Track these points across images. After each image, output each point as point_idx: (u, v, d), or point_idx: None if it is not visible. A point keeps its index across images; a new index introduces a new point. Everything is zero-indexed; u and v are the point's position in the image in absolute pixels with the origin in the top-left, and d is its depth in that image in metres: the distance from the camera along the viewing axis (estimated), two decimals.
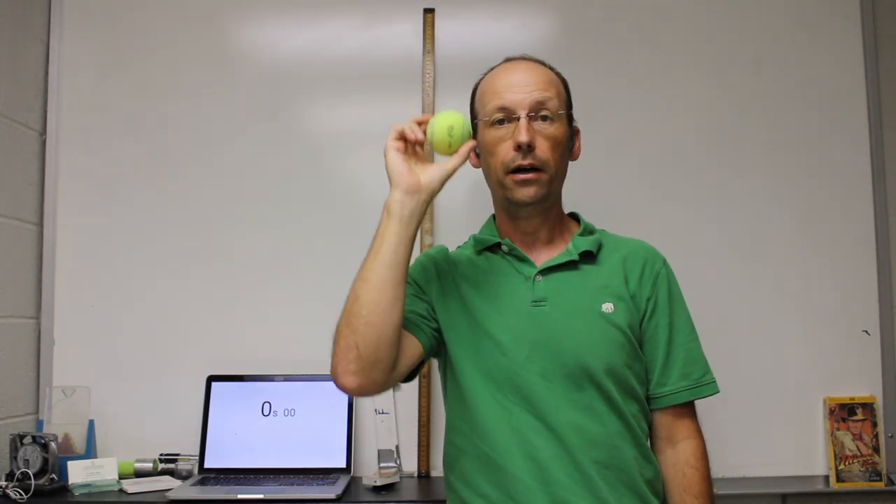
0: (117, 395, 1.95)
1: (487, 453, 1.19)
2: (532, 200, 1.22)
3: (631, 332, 1.21)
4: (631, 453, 1.18)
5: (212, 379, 1.92)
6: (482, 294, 1.24)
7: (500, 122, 1.22)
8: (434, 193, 1.18)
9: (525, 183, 1.21)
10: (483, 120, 1.25)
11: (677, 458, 1.22)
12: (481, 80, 1.31)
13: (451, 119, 1.19)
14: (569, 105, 1.29)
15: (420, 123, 1.20)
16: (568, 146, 1.27)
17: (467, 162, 1.23)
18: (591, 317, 1.20)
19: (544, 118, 1.21)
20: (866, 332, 1.99)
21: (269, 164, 2.04)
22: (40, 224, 2.01)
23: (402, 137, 1.17)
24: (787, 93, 2.04)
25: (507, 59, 1.30)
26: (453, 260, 1.32)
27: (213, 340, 1.98)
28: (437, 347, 1.28)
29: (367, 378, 1.14)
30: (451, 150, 1.19)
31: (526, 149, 1.19)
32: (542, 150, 1.20)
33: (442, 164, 1.19)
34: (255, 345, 1.97)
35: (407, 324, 1.21)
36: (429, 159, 1.22)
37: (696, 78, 2.05)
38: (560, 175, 1.25)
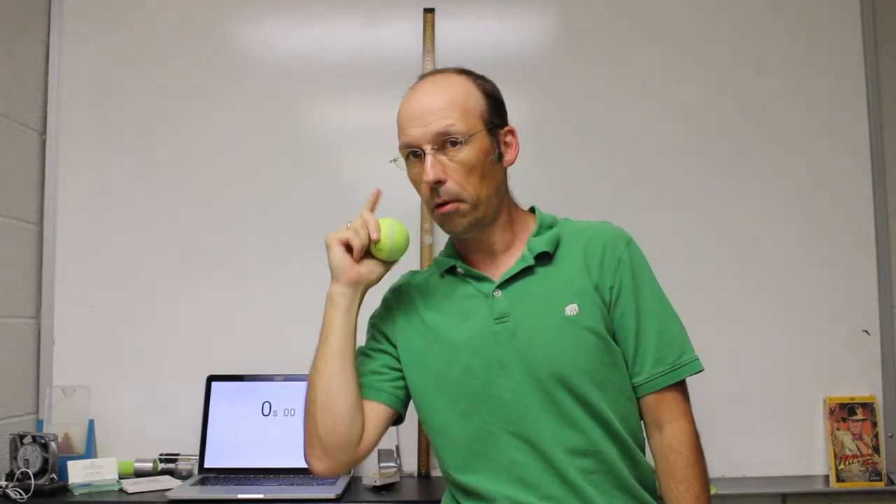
0: (117, 395, 1.95)
1: (471, 483, 1.17)
2: (462, 231, 1.19)
3: (604, 328, 1.17)
4: (616, 454, 1.15)
5: (212, 379, 1.92)
6: (447, 319, 1.22)
7: (414, 155, 1.19)
8: (372, 284, 1.23)
9: (446, 216, 1.18)
10: (401, 157, 1.23)
11: (662, 443, 1.17)
12: (401, 104, 1.25)
13: (403, 242, 1.21)
14: (490, 113, 1.21)
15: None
16: (489, 160, 1.19)
17: None
18: (556, 323, 1.16)
19: (452, 143, 1.16)
20: (866, 332, 1.99)
21: (270, 163, 2.04)
22: (40, 224, 2.01)
23: (347, 242, 1.21)
24: (787, 93, 2.04)
25: (421, 78, 1.26)
26: (417, 287, 1.29)
27: (213, 340, 1.98)
28: (407, 395, 1.27)
29: (334, 461, 1.18)
30: (390, 259, 1.22)
31: (436, 187, 1.16)
32: (454, 179, 1.16)
33: (379, 268, 1.23)
34: (255, 345, 1.97)
35: (368, 391, 1.22)
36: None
37: (697, 77, 2.05)
38: (485, 194, 1.18)
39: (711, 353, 1.93)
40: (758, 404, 1.96)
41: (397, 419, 1.27)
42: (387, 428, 1.25)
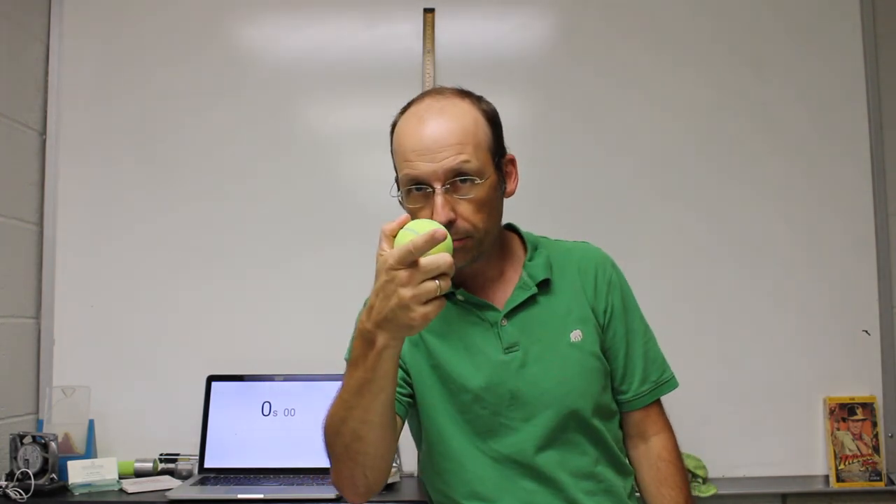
0: (117, 395, 1.95)
1: None
2: (463, 265, 1.12)
3: (602, 352, 1.20)
4: (612, 472, 1.19)
5: (212, 379, 1.92)
6: (451, 347, 1.18)
7: (417, 188, 1.09)
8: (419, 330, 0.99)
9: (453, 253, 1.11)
10: (401, 190, 1.13)
11: (650, 454, 1.22)
12: (396, 124, 1.17)
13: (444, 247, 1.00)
14: (495, 144, 1.14)
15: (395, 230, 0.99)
16: (497, 195, 1.14)
17: None
18: (563, 351, 1.16)
19: (463, 181, 1.08)
20: (866, 332, 1.99)
21: (269, 163, 2.04)
22: (40, 224, 2.01)
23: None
24: (787, 93, 2.04)
25: (422, 96, 1.16)
26: None
27: (213, 340, 1.98)
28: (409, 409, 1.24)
29: (375, 488, 1.12)
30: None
31: (446, 227, 1.00)
32: (465, 216, 1.09)
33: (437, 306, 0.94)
34: (255, 345, 1.97)
35: (406, 414, 1.21)
36: None
37: (696, 78, 2.05)
38: (491, 229, 1.14)
39: (711, 354, 1.94)
40: (758, 404, 1.96)
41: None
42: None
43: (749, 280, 2.00)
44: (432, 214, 1.07)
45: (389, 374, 0.99)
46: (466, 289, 1.20)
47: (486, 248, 1.15)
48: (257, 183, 2.03)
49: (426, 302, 0.89)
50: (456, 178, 1.08)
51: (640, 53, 2.06)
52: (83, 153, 2.03)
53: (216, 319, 1.99)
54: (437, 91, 1.16)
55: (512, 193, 1.20)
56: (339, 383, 1.87)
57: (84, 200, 2.02)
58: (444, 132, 1.08)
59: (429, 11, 2.05)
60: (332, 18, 2.07)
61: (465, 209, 1.09)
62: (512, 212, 1.28)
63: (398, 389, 1.18)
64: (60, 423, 1.84)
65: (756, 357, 1.98)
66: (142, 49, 2.06)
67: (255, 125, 2.04)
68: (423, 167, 1.08)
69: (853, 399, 1.95)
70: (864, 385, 1.98)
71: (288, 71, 2.06)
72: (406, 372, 1.21)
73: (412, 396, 1.22)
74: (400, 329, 0.93)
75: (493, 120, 1.16)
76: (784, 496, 1.96)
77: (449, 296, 1.17)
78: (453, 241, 1.00)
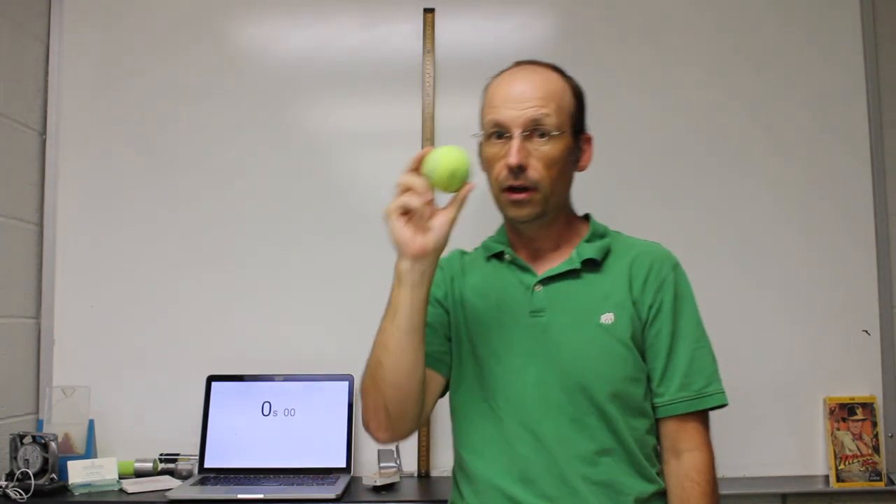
0: (117, 395, 1.95)
1: (471, 465, 1.19)
2: (524, 220, 1.20)
3: (634, 343, 1.18)
4: (625, 470, 1.15)
5: (212, 379, 1.92)
6: (485, 302, 1.24)
7: (497, 135, 1.19)
8: (441, 250, 1.14)
9: (517, 203, 1.18)
10: (482, 133, 1.22)
11: (679, 471, 1.17)
12: (488, 85, 1.26)
13: (453, 162, 1.11)
14: (576, 115, 1.23)
15: (418, 163, 1.14)
16: (569, 160, 1.22)
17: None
18: (588, 329, 1.17)
19: (541, 135, 1.17)
20: (866, 332, 1.99)
21: (269, 164, 2.04)
22: (40, 224, 2.01)
23: (406, 210, 1.11)
24: (787, 93, 2.04)
25: (516, 64, 1.26)
26: (464, 266, 1.31)
27: (213, 340, 1.98)
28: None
29: (398, 431, 1.19)
30: (450, 190, 1.13)
31: (517, 171, 1.16)
32: (535, 169, 1.16)
33: (445, 217, 1.12)
34: (255, 345, 1.97)
35: (430, 361, 1.22)
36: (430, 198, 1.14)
37: (696, 78, 2.05)
38: (558, 191, 1.21)
39: None
40: (758, 404, 1.96)
41: (445, 392, 1.29)
42: (438, 397, 1.27)
43: (749, 280, 1.99)
44: (506, 156, 1.15)
45: (405, 299, 1.10)
46: (518, 254, 1.26)
47: (551, 210, 1.21)
48: (257, 183, 2.03)
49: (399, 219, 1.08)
50: (534, 130, 1.16)
51: (639, 53, 2.05)
52: (83, 153, 2.03)
53: (216, 319, 1.99)
54: (533, 61, 1.26)
55: (584, 168, 1.28)
56: (339, 383, 1.91)
57: (84, 200, 2.02)
58: (531, 86, 1.19)
59: (429, 11, 2.05)
60: (331, 18, 2.07)
61: (537, 161, 1.17)
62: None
63: (436, 346, 1.23)
64: (60, 423, 1.84)
65: (756, 357, 1.98)
66: (142, 49, 2.06)
67: (255, 125, 2.04)
68: (506, 113, 1.17)
69: (853, 399, 1.95)
70: (864, 385, 1.97)
71: (288, 70, 2.06)
72: (450, 323, 1.26)
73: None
74: (396, 246, 1.10)
75: (578, 95, 1.26)
76: (784, 496, 1.96)
77: (499, 255, 1.27)
78: (520, 190, 1.16)
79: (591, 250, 1.22)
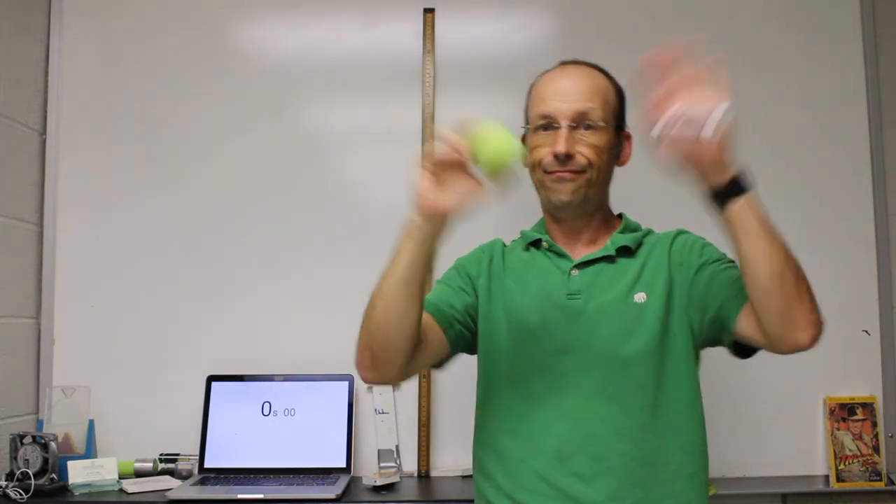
0: (117, 395, 1.95)
1: (505, 446, 1.21)
2: (569, 199, 1.24)
3: (667, 316, 1.21)
4: (667, 445, 1.18)
5: (212, 379, 1.92)
6: (523, 287, 1.27)
7: (545, 127, 1.24)
8: (453, 217, 1.10)
9: (561, 181, 1.23)
10: (529, 126, 1.27)
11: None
12: (535, 82, 1.32)
13: (505, 150, 1.06)
14: (618, 112, 1.30)
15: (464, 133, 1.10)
16: (612, 153, 1.28)
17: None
18: (622, 307, 1.21)
19: (587, 127, 1.23)
20: (866, 332, 1.99)
21: (269, 163, 2.04)
22: (40, 224, 2.01)
23: (439, 164, 1.08)
24: (787, 93, 2.04)
25: (562, 63, 1.32)
26: (504, 252, 1.36)
27: (213, 340, 1.98)
28: (469, 344, 1.31)
29: (382, 374, 1.20)
30: (495, 177, 1.08)
31: (563, 158, 1.21)
32: (583, 154, 1.22)
33: (471, 187, 1.08)
34: (255, 345, 1.98)
35: (441, 317, 1.25)
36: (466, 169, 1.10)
37: None
38: (601, 179, 1.27)
39: (711, 354, 1.92)
40: (758, 404, 1.96)
41: (443, 360, 1.30)
42: (434, 363, 1.28)
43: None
44: (554, 144, 1.21)
45: (406, 252, 1.11)
46: (556, 242, 1.30)
47: (591, 198, 1.26)
48: (257, 182, 2.03)
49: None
50: (581, 122, 1.23)
51: (639, 53, 2.04)
52: (83, 153, 2.03)
53: (216, 319, 1.99)
54: (575, 60, 1.32)
55: (623, 163, 1.33)
56: (339, 383, 1.91)
57: (84, 200, 2.02)
58: (579, 82, 1.26)
59: (429, 11, 2.05)
60: (331, 18, 2.07)
61: (584, 147, 1.23)
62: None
63: (450, 310, 1.26)
64: (60, 423, 1.84)
65: (756, 357, 1.97)
66: (142, 49, 2.06)
67: (255, 125, 2.04)
68: (554, 105, 1.23)
69: (853, 399, 1.95)
70: (864, 385, 1.98)
71: (288, 70, 2.06)
72: (472, 316, 1.29)
73: (467, 332, 1.28)
74: (415, 196, 1.10)
75: (620, 94, 1.32)
76: (784, 496, 1.96)
77: (536, 243, 1.32)
78: (571, 172, 1.21)
79: (624, 240, 1.28)
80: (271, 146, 2.04)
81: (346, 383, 1.91)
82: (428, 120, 2.01)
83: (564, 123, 1.22)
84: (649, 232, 1.36)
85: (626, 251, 1.27)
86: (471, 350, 1.32)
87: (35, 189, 2.01)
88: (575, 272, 1.26)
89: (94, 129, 2.04)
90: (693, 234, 1.34)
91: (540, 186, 1.27)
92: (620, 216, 1.38)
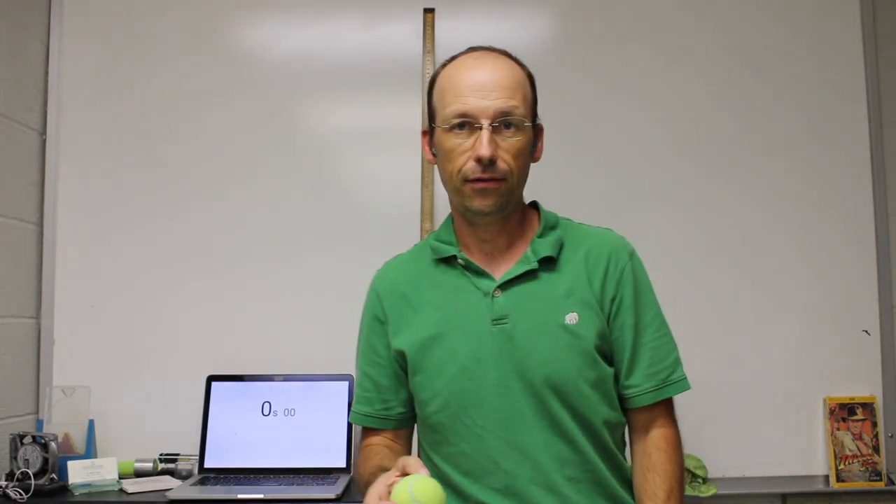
0: (117, 395, 1.95)
1: (457, 482, 1.16)
2: (490, 210, 1.15)
3: (600, 340, 1.15)
4: (602, 462, 1.15)
5: (212, 379, 1.92)
6: (442, 313, 1.18)
7: (461, 126, 1.13)
8: None
9: (484, 192, 1.13)
10: (441, 125, 1.16)
11: (647, 444, 1.17)
12: (441, 70, 1.20)
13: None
14: (534, 105, 1.20)
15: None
16: (529, 151, 1.18)
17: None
18: (554, 331, 1.14)
19: (508, 126, 1.13)
20: (866, 332, 1.99)
21: (269, 164, 2.04)
22: (40, 224, 2.01)
23: None
24: (787, 93, 2.04)
25: (471, 49, 1.20)
26: (407, 279, 1.24)
27: (213, 340, 1.98)
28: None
29: None
30: None
31: (487, 163, 1.11)
32: (505, 161, 1.13)
33: None
34: (255, 345, 1.97)
35: (395, 425, 1.23)
36: None
37: (696, 78, 2.05)
38: (521, 182, 1.18)
39: (712, 354, 1.93)
40: (758, 404, 1.96)
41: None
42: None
43: (749, 280, 1.99)
44: (475, 148, 1.11)
45: None
46: (471, 255, 1.20)
47: (512, 202, 1.17)
48: (257, 183, 2.03)
49: None
50: (502, 121, 1.13)
51: (639, 53, 2.05)
52: (83, 153, 2.03)
53: (216, 319, 1.99)
54: (489, 47, 1.20)
55: (538, 160, 1.23)
56: (339, 383, 1.90)
57: (84, 200, 2.02)
58: (500, 76, 1.14)
59: (429, 11, 2.05)
60: (331, 18, 2.07)
61: (506, 152, 1.13)
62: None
63: (401, 402, 1.22)
64: (60, 423, 1.84)
65: (756, 357, 1.98)
66: (142, 49, 2.06)
67: (255, 125, 2.04)
68: (475, 102, 1.12)
69: (853, 399, 1.95)
70: (864, 385, 1.98)
71: (288, 71, 2.06)
72: (400, 364, 1.21)
73: (407, 400, 1.23)
74: None
75: (533, 83, 1.21)
76: (784, 496, 1.96)
77: (450, 259, 1.21)
78: (489, 180, 1.12)
79: (545, 247, 1.18)
80: (272, 146, 2.04)
81: (346, 383, 1.91)
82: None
83: (486, 123, 1.11)
84: (569, 225, 1.25)
85: (548, 261, 1.18)
86: None
87: (35, 189, 2.01)
88: (498, 293, 1.16)
89: (94, 128, 2.04)
90: (640, 265, 1.23)
91: (455, 193, 1.17)
92: (534, 207, 1.27)
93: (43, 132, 2.03)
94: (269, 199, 2.02)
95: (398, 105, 2.05)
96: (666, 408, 1.20)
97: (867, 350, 1.98)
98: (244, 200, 2.02)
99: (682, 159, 2.03)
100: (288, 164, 2.04)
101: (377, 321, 1.24)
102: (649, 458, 1.15)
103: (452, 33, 2.05)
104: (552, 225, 1.23)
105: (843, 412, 1.94)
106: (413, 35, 2.05)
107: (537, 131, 1.21)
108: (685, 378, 1.20)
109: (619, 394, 1.19)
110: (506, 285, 1.17)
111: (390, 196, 2.00)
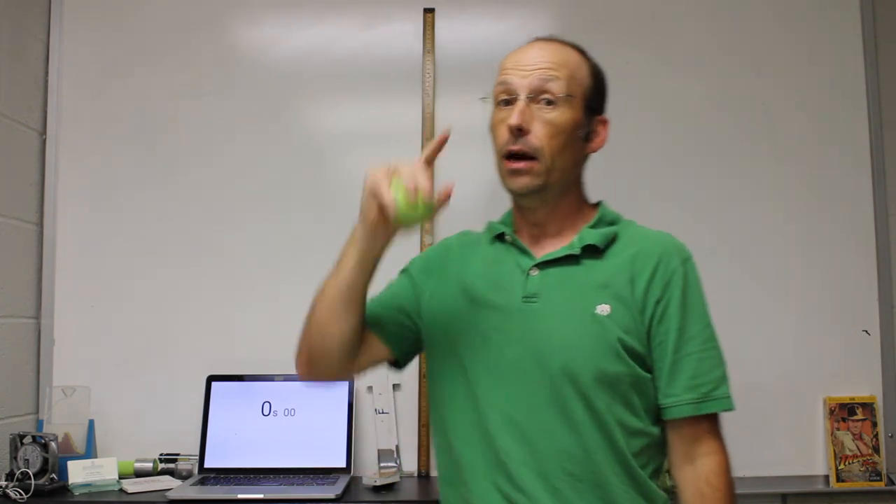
0: (117, 395, 1.95)
1: (458, 449, 1.15)
2: (524, 191, 1.15)
3: (631, 338, 1.10)
4: (612, 470, 1.09)
5: (212, 379, 1.92)
6: (484, 285, 1.18)
7: (506, 102, 1.15)
8: (396, 233, 1.13)
9: (516, 172, 1.14)
10: (493, 100, 1.19)
11: (696, 477, 1.11)
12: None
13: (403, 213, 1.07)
14: (591, 93, 1.20)
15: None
16: (577, 134, 1.16)
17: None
18: (582, 318, 1.11)
19: (548, 102, 1.13)
20: (866, 332, 1.99)
21: (269, 164, 2.04)
22: (40, 224, 2.01)
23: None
24: (787, 93, 2.04)
25: (536, 39, 1.22)
26: (465, 248, 1.28)
27: (213, 340, 1.98)
28: (415, 347, 1.28)
29: (315, 373, 1.24)
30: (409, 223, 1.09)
31: (516, 132, 1.12)
32: (538, 136, 1.12)
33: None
34: (255, 345, 1.97)
35: (375, 327, 1.24)
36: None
37: (697, 78, 2.05)
38: (560, 165, 1.14)
39: None
40: (758, 404, 1.95)
41: (395, 363, 1.28)
42: (380, 363, 1.27)
43: (748, 280, 1.99)
44: (509, 119, 1.12)
45: (348, 259, 1.16)
46: (520, 237, 1.22)
47: (553, 186, 1.16)
48: (257, 183, 2.03)
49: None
50: (541, 95, 1.13)
51: (639, 53, 2.05)
52: (83, 153, 2.03)
53: (216, 319, 1.99)
54: (549, 37, 1.22)
55: (595, 150, 1.23)
56: (339, 383, 1.92)
57: (84, 200, 2.02)
58: (543, 54, 1.16)
59: (429, 11, 2.05)
60: (331, 18, 2.07)
61: (540, 128, 1.13)
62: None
63: (390, 320, 1.24)
64: (60, 423, 1.84)
65: (756, 357, 1.98)
66: (142, 49, 2.06)
67: (255, 125, 2.04)
68: (513, 76, 1.15)
69: (853, 399, 1.96)
70: (864, 385, 1.98)
71: (288, 71, 2.06)
72: (415, 311, 1.25)
73: (411, 334, 1.26)
74: (362, 210, 1.12)
75: (597, 75, 1.23)
76: (784, 496, 1.96)
77: (501, 237, 1.23)
78: (519, 157, 1.12)
79: (593, 236, 1.16)
80: (272, 146, 2.04)
81: (346, 383, 1.91)
82: (428, 120, 2.02)
83: (522, 95, 1.13)
84: (630, 225, 1.23)
85: (593, 250, 1.16)
86: (420, 350, 1.29)
87: (35, 189, 2.01)
88: (534, 272, 1.15)
89: (94, 129, 2.04)
90: (694, 274, 1.19)
91: (498, 171, 1.18)
92: (598, 205, 1.26)
93: (43, 132, 2.03)
94: (270, 199, 2.03)
95: (398, 105, 2.05)
96: (711, 428, 1.14)
97: (867, 350, 1.98)
98: (244, 200, 2.02)
99: (681, 159, 2.03)
100: (288, 163, 2.04)
101: (423, 273, 1.27)
102: (703, 497, 1.11)
103: (452, 33, 2.05)
104: (610, 221, 1.22)
105: (843, 412, 1.95)
106: (413, 35, 2.05)
107: (595, 121, 1.22)
108: (729, 397, 1.15)
109: (658, 405, 1.14)
110: (544, 265, 1.16)
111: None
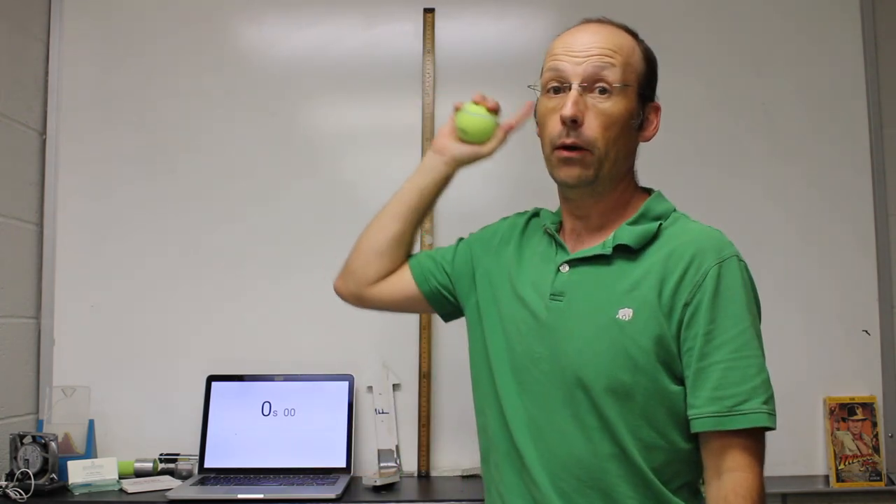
0: (117, 395, 1.95)
1: (490, 433, 1.16)
2: (574, 183, 1.09)
3: (655, 344, 1.03)
4: (624, 480, 1.03)
5: (212, 379, 1.92)
6: (525, 276, 1.16)
7: (556, 90, 1.09)
8: (458, 163, 1.28)
9: (567, 162, 1.07)
10: (541, 87, 1.13)
11: (717, 494, 1.01)
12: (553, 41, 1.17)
13: (466, 123, 1.29)
14: (644, 79, 1.14)
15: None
16: (631, 124, 1.11)
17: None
18: (601, 322, 1.05)
19: (602, 91, 1.07)
20: (866, 332, 1.99)
21: (269, 163, 2.04)
22: (40, 224, 2.01)
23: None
24: (787, 93, 2.04)
25: (585, 20, 1.17)
26: (527, 231, 1.24)
27: (213, 340, 1.98)
28: (449, 308, 1.31)
29: (345, 288, 1.36)
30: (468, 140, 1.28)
31: (570, 124, 1.06)
32: (591, 127, 1.06)
33: (476, 147, 1.27)
34: (255, 345, 1.97)
35: (420, 268, 1.30)
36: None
37: (696, 78, 2.04)
38: (615, 157, 1.09)
39: None
40: None
41: (430, 306, 1.32)
42: (408, 305, 1.33)
43: None
44: (561, 109, 1.07)
45: (409, 182, 1.30)
46: (562, 229, 1.19)
47: (604, 178, 1.10)
48: (258, 183, 2.03)
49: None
50: (596, 84, 1.08)
51: None
52: (83, 153, 2.03)
53: (216, 319, 1.99)
54: (600, 18, 1.19)
55: (648, 139, 1.18)
56: (339, 383, 1.93)
57: (84, 200, 2.02)
58: (597, 38, 1.12)
59: (429, 11, 2.05)
60: (331, 19, 2.07)
61: (594, 119, 1.07)
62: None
63: (432, 268, 1.30)
64: (60, 423, 1.84)
65: None
66: (142, 49, 2.06)
67: (255, 125, 2.04)
68: (565, 62, 1.10)
69: (853, 399, 1.95)
70: (864, 385, 1.98)
71: (288, 70, 2.06)
72: (450, 283, 1.29)
73: (449, 294, 1.29)
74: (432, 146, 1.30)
75: (650, 60, 1.18)
76: (784, 496, 1.96)
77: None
78: (572, 148, 1.08)
79: (627, 235, 1.09)
80: (272, 146, 2.04)
81: (346, 383, 1.91)
82: (428, 120, 2.02)
83: (575, 83, 1.06)
84: (677, 220, 1.14)
85: (625, 250, 1.08)
86: (449, 316, 1.33)
87: (35, 189, 2.01)
88: (564, 268, 1.11)
89: (94, 128, 2.04)
90: (734, 273, 1.05)
91: (547, 162, 1.12)
92: (649, 191, 1.20)
93: (43, 132, 2.03)
94: (270, 199, 2.03)
95: (398, 105, 2.05)
96: (744, 443, 1.01)
97: (867, 350, 1.98)
98: (245, 200, 2.02)
99: (681, 159, 2.03)
100: (288, 163, 2.04)
101: (482, 246, 1.28)
102: None
103: (452, 33, 2.05)
104: (655, 216, 1.13)
105: (843, 412, 1.94)
106: (413, 35, 2.05)
107: (649, 109, 1.16)
108: (763, 412, 1.01)
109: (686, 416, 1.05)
110: (575, 263, 1.11)
111: (390, 196, 2.00)
